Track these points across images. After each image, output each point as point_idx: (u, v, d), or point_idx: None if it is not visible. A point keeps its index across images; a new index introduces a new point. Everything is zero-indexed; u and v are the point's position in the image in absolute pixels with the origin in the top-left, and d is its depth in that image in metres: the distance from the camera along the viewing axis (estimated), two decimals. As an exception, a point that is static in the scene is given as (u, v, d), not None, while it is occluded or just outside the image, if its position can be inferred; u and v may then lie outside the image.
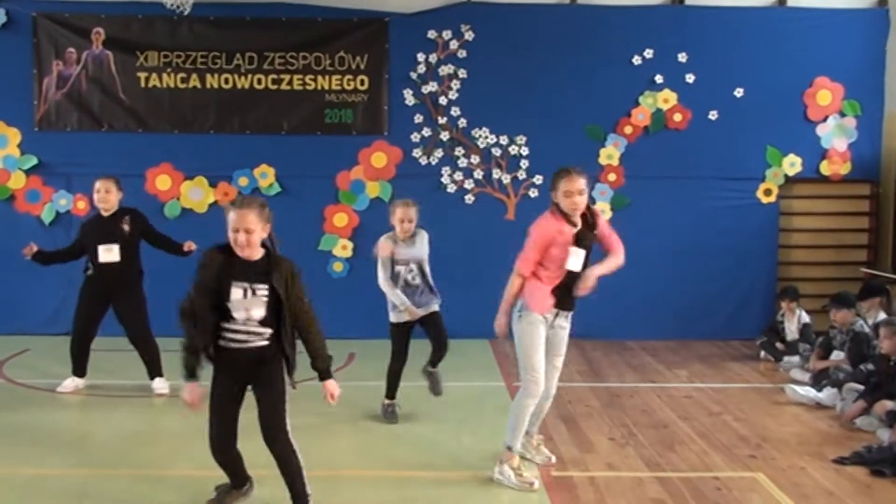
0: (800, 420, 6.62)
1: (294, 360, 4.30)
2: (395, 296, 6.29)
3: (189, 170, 9.56)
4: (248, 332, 4.19)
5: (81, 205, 9.38)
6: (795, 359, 8.32)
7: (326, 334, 8.80)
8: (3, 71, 9.42)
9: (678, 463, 5.52)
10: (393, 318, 6.40)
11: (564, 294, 5.09)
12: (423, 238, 6.41)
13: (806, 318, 8.61)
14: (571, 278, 5.06)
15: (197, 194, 9.57)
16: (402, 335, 6.42)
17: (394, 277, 6.33)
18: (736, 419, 6.59)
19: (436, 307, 6.42)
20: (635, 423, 6.45)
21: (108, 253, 6.88)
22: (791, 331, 8.64)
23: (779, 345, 8.63)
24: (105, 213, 6.99)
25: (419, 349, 6.49)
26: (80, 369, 7.08)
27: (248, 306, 4.14)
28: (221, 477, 5.11)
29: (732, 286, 9.74)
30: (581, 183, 5.05)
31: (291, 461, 4.23)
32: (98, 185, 6.96)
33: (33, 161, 9.48)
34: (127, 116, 9.54)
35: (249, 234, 4.16)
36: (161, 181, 9.51)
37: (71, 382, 7.07)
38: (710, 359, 8.82)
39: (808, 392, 7.05)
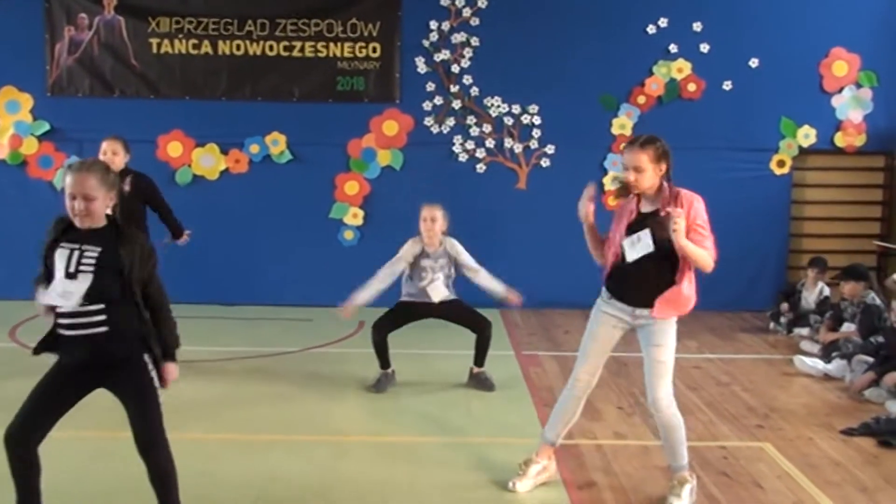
0: (808, 391, 6.63)
1: (157, 349, 3.67)
2: (372, 284, 6.24)
3: (200, 136, 9.56)
4: (76, 314, 3.51)
5: (94, 171, 9.39)
6: (805, 330, 8.31)
7: (335, 303, 8.81)
8: (15, 36, 9.41)
9: (685, 432, 5.53)
10: (404, 297, 6.43)
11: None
12: (453, 248, 6.39)
13: (826, 292, 8.52)
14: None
15: (208, 161, 9.57)
16: (402, 313, 6.42)
17: (416, 274, 6.35)
18: (744, 389, 6.60)
19: (453, 295, 6.44)
20: (643, 392, 6.42)
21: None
22: (808, 301, 8.60)
23: (783, 317, 8.62)
24: None
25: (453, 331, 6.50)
26: None
27: (71, 271, 3.51)
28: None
29: (744, 258, 9.69)
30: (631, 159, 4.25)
31: (169, 475, 3.67)
32: (104, 146, 6.64)
33: (45, 127, 9.50)
34: (139, 82, 9.54)
35: (89, 201, 3.51)
36: (173, 148, 9.52)
37: None
38: (720, 330, 8.82)
39: (817, 363, 7.04)
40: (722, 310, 9.56)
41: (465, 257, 6.40)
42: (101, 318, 3.52)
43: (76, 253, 3.52)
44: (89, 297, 3.48)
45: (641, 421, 5.72)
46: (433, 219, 6.32)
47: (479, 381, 6.43)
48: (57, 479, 3.80)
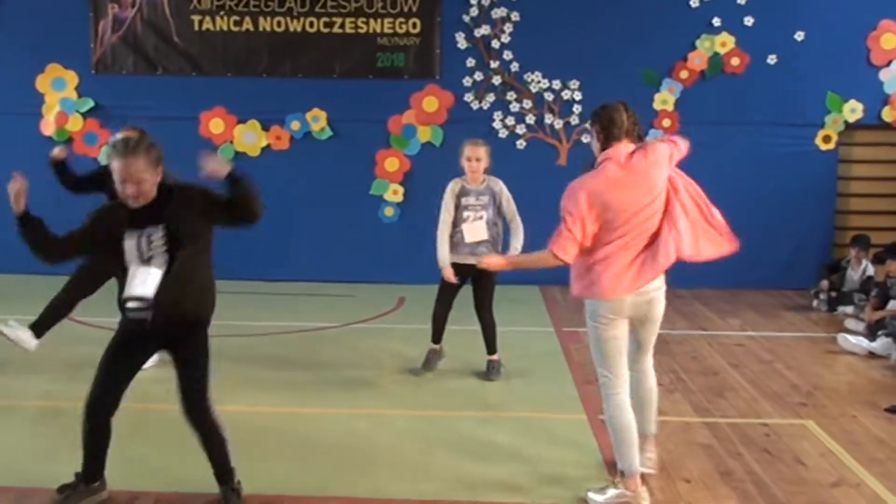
0: (853, 369, 6.55)
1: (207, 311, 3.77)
2: (441, 247, 5.97)
3: (242, 113, 9.63)
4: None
5: (137, 147, 9.50)
6: (850, 308, 8.20)
7: (375, 279, 8.78)
8: (61, 14, 9.53)
9: (727, 409, 5.51)
10: (451, 255, 6.23)
11: None
12: (497, 185, 6.07)
13: (871, 271, 8.41)
14: None
15: (250, 138, 9.64)
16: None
17: (458, 217, 5.98)
18: (787, 367, 6.54)
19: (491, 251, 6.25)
20: (685, 369, 6.43)
21: None
22: (852, 280, 8.49)
23: (822, 295, 8.53)
24: None
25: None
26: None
27: (145, 258, 3.58)
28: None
29: (788, 235, 9.59)
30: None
31: (213, 436, 3.75)
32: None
33: (90, 104, 9.63)
34: (181, 59, 9.62)
35: (141, 184, 3.50)
36: (214, 124, 9.59)
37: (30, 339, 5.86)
38: (763, 307, 8.74)
39: (861, 341, 6.96)
40: (764, 287, 9.49)
41: (509, 203, 6.05)
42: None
43: (143, 239, 3.57)
44: (172, 274, 3.56)
45: (683, 398, 5.70)
46: (478, 158, 5.96)
47: (486, 369, 6.16)
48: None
